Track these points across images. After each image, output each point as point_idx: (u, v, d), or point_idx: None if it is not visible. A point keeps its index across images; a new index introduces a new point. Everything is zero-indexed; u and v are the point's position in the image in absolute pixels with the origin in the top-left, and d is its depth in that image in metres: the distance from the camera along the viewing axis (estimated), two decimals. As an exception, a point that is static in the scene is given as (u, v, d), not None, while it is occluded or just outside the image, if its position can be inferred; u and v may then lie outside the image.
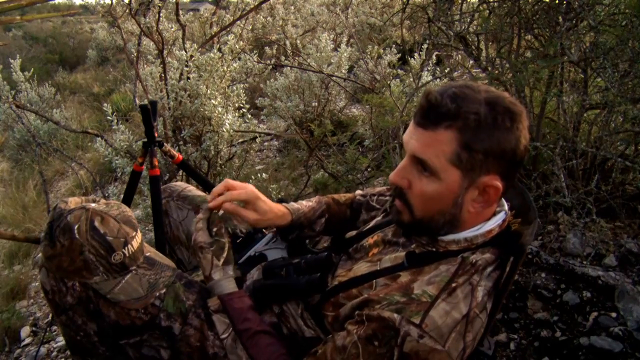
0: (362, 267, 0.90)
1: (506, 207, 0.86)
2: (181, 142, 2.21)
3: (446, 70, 2.56)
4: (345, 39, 4.41)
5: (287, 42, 3.84)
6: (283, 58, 4.18)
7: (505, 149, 0.73)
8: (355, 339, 0.74)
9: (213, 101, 2.14)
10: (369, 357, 0.72)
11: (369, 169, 2.48)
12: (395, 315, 0.72)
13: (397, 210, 0.84)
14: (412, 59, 3.23)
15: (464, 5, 1.87)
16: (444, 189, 0.76)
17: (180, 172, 2.17)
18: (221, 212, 1.01)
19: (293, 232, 1.10)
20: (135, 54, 3.16)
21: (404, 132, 0.88)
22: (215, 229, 0.98)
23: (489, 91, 0.75)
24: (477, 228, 0.82)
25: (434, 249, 0.83)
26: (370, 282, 0.84)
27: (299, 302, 0.97)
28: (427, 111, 0.74)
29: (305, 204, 1.12)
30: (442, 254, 0.82)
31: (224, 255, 0.97)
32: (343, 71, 3.35)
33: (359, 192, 1.24)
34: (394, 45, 3.97)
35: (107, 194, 2.65)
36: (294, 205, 1.10)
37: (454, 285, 0.76)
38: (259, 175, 2.28)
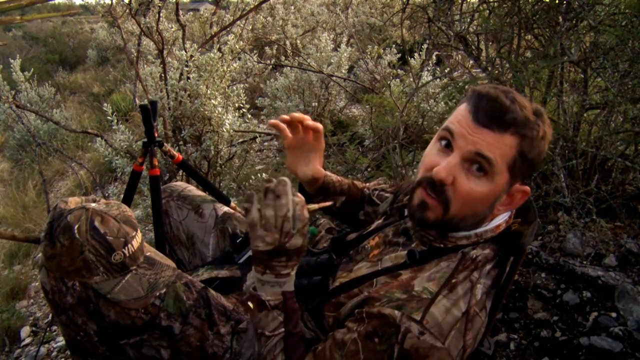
0: (362, 268, 0.90)
1: None
2: (181, 142, 2.21)
3: (446, 70, 2.56)
4: (345, 39, 4.40)
5: (287, 42, 3.84)
6: (283, 58, 4.18)
7: (541, 160, 0.79)
8: (355, 336, 0.74)
9: (213, 101, 2.14)
10: (369, 354, 0.72)
11: (369, 169, 2.48)
12: (396, 312, 0.72)
13: (424, 207, 0.80)
14: (412, 59, 3.23)
15: (464, 5, 1.87)
16: (490, 191, 0.77)
17: (180, 172, 2.17)
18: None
19: (319, 195, 1.11)
20: (135, 54, 3.15)
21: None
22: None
23: (525, 98, 0.78)
24: (486, 225, 0.83)
25: (441, 245, 0.83)
26: (370, 281, 0.85)
27: (299, 303, 0.97)
28: (496, 114, 0.74)
29: (333, 175, 1.13)
30: (444, 250, 0.82)
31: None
32: (343, 71, 3.35)
33: (366, 184, 1.24)
34: (394, 45, 3.97)
35: (107, 194, 2.66)
36: (325, 172, 1.11)
37: (454, 281, 0.76)
38: (259, 175, 2.28)
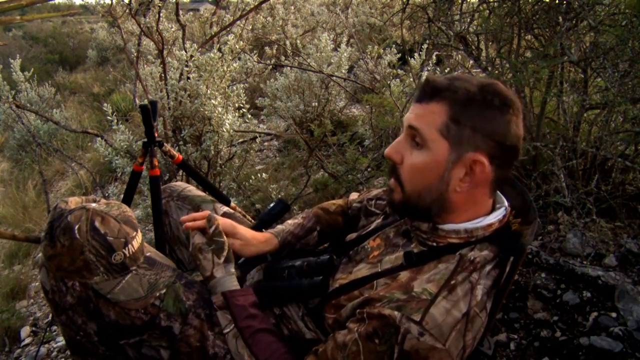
0: (362, 270, 0.90)
1: (506, 204, 0.87)
2: (181, 142, 2.21)
3: (446, 70, 2.56)
4: (345, 39, 4.40)
5: (287, 42, 3.84)
6: (283, 58, 4.18)
7: (493, 128, 0.76)
8: (356, 337, 0.74)
9: (213, 101, 2.14)
10: (369, 354, 0.72)
11: (369, 169, 2.48)
12: (396, 312, 0.72)
13: (390, 189, 0.87)
14: (412, 59, 3.23)
15: (464, 5, 1.87)
16: (431, 160, 0.79)
17: (180, 172, 2.17)
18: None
19: (283, 251, 1.11)
20: (135, 54, 3.16)
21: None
22: (212, 229, 0.99)
23: (485, 79, 0.81)
24: (477, 221, 0.83)
25: (434, 244, 0.84)
26: (371, 283, 0.85)
27: (299, 304, 0.97)
28: (424, 87, 0.81)
29: (290, 222, 1.15)
30: (441, 250, 0.82)
31: (224, 253, 0.97)
32: (343, 71, 3.35)
33: (353, 196, 1.23)
34: (394, 45, 3.97)
35: (107, 194, 2.66)
36: (277, 227, 1.13)
37: (453, 282, 0.76)
38: (259, 175, 2.28)
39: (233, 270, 0.97)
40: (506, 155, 0.79)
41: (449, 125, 0.77)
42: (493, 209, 0.85)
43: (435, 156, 0.78)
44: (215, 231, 0.98)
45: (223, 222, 1.03)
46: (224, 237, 0.99)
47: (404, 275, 0.81)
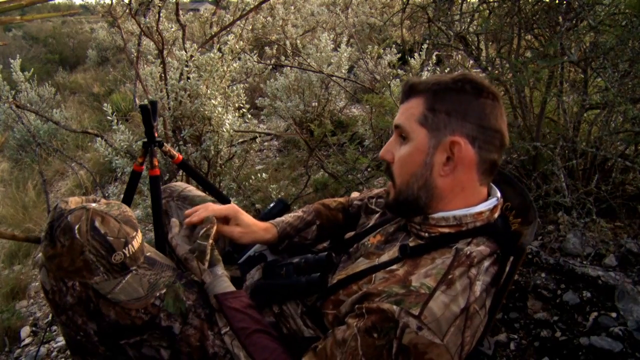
0: (361, 264, 0.91)
1: (498, 194, 0.88)
2: (181, 142, 2.21)
3: (446, 70, 2.56)
4: (345, 39, 4.41)
5: (287, 42, 3.84)
6: (283, 58, 4.19)
7: (467, 110, 0.81)
8: (355, 332, 0.74)
9: (213, 101, 2.14)
10: (367, 349, 0.72)
11: (369, 169, 2.48)
12: (395, 306, 0.72)
13: (387, 192, 0.91)
14: (412, 59, 3.23)
15: (464, 5, 1.87)
16: (414, 149, 0.83)
17: (180, 172, 2.17)
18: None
19: (282, 243, 1.12)
20: (135, 54, 3.16)
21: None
22: (202, 231, 0.98)
23: (451, 74, 0.87)
24: (467, 209, 0.84)
25: (426, 234, 0.85)
26: (369, 277, 0.85)
27: (298, 302, 0.97)
28: (403, 89, 0.89)
29: (290, 215, 1.16)
30: (435, 241, 0.83)
31: (207, 257, 0.97)
32: (343, 71, 3.35)
33: (354, 195, 1.24)
34: (394, 45, 3.97)
35: (107, 194, 2.66)
36: (277, 219, 1.15)
37: (450, 277, 0.76)
38: (259, 175, 2.28)
39: (220, 272, 0.97)
40: (486, 137, 0.81)
41: (426, 115, 0.82)
42: (485, 199, 0.86)
43: (417, 144, 0.83)
44: (205, 234, 0.97)
45: (227, 207, 1.06)
46: (209, 240, 0.98)
47: (401, 270, 0.82)
